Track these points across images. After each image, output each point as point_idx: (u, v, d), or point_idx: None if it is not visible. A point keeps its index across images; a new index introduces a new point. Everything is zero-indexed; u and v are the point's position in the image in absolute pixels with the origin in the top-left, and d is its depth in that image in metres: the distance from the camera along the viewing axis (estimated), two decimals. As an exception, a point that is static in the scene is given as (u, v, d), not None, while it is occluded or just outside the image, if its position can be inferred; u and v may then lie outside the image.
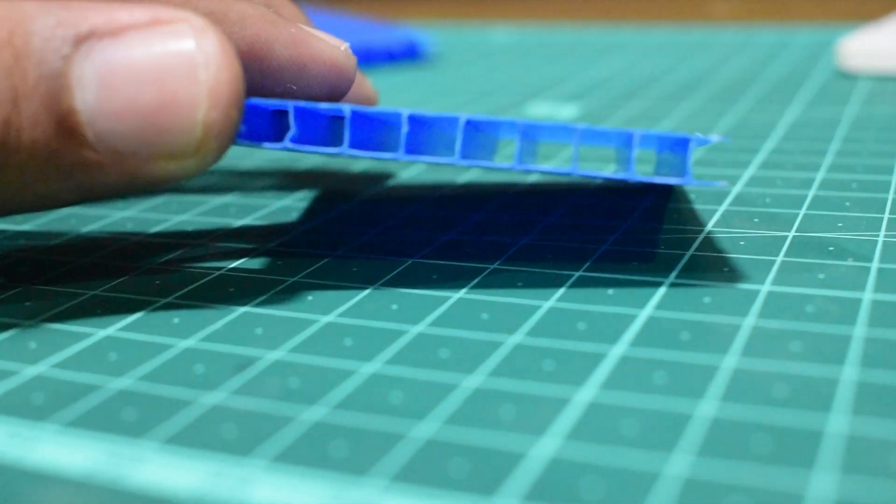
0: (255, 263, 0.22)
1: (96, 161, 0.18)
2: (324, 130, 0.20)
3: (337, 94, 0.22)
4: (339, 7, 0.70)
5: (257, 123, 0.19)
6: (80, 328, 0.19)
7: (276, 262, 0.22)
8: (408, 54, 0.49)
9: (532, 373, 0.16)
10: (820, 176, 0.26)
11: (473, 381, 0.16)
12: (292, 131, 0.19)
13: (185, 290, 0.21)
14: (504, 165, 0.19)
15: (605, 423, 0.15)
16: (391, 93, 0.42)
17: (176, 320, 0.19)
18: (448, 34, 0.58)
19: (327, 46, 0.22)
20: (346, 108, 0.18)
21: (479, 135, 0.20)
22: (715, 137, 0.19)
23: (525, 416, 0.15)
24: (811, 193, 0.25)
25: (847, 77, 0.40)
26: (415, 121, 0.19)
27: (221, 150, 0.18)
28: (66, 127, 0.17)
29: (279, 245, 0.23)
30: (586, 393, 0.16)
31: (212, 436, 0.15)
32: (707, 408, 0.15)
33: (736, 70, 0.43)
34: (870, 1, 0.67)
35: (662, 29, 0.56)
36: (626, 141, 0.19)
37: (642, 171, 0.19)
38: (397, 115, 0.19)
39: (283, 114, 0.19)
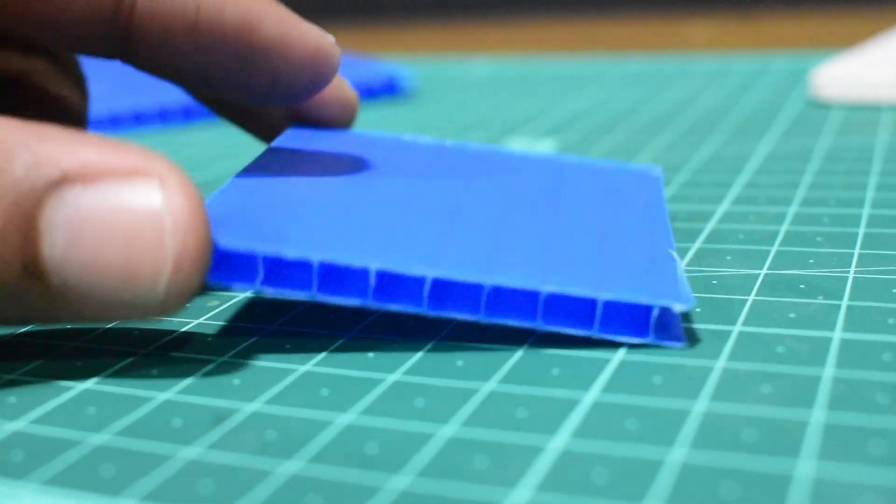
0: (232, 312, 0.22)
1: (58, 303, 0.18)
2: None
3: (320, 82, 0.23)
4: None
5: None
6: (60, 381, 0.19)
7: (252, 310, 0.22)
8: (387, 90, 0.49)
9: (505, 421, 0.17)
10: (792, 210, 0.27)
11: (448, 430, 0.16)
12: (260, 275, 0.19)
13: (164, 340, 0.21)
14: (467, 317, 0.19)
15: (578, 473, 0.15)
16: (372, 129, 0.42)
17: (155, 372, 0.19)
18: (427, 68, 0.58)
19: (315, 31, 0.23)
20: (314, 258, 0.19)
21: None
22: (678, 308, 0.19)
23: (499, 467, 0.15)
24: (783, 229, 0.25)
25: (821, 106, 0.40)
26: (383, 276, 0.19)
27: (184, 304, 0.18)
28: (31, 270, 0.18)
29: (256, 293, 0.23)
30: (559, 441, 0.16)
31: (189, 491, 0.15)
32: (677, 454, 0.15)
33: (711, 100, 0.43)
34: (845, 25, 0.67)
35: (640, 58, 0.56)
36: (589, 307, 0.19)
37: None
38: (364, 271, 0.19)
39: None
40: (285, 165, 0.23)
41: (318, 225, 0.20)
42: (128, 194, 0.18)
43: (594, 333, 0.19)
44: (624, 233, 0.22)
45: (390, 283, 0.19)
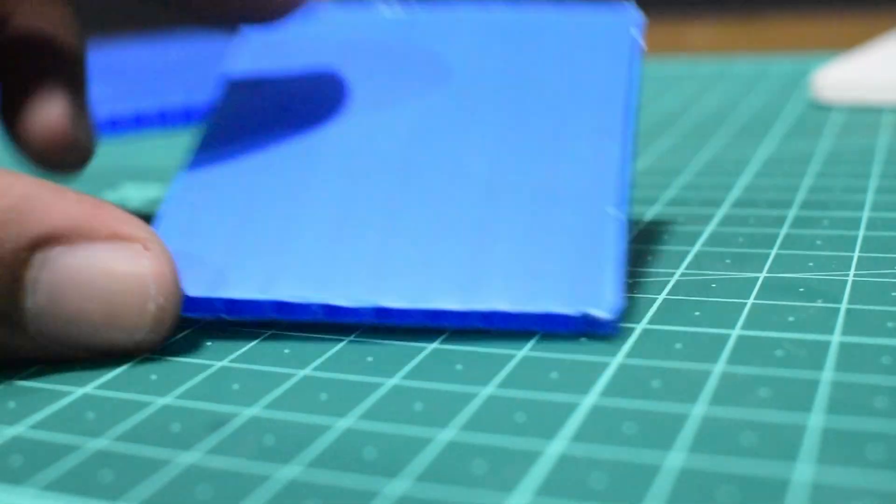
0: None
1: (32, 347, 0.19)
2: None
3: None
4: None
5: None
6: (59, 386, 0.19)
7: (253, 313, 0.22)
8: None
9: (504, 425, 0.17)
10: (792, 213, 0.27)
11: (446, 434, 0.16)
12: None
13: (164, 344, 0.21)
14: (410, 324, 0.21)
15: (576, 477, 0.15)
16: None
17: (154, 377, 0.19)
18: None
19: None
20: (264, 297, 0.21)
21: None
22: (598, 314, 0.20)
23: (497, 471, 0.15)
24: (783, 232, 0.25)
25: (821, 108, 0.40)
26: (327, 308, 0.21)
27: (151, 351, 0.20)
28: (10, 320, 0.19)
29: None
30: (557, 445, 0.16)
31: (187, 497, 0.15)
32: (675, 459, 0.15)
33: (712, 103, 0.43)
34: (845, 27, 0.67)
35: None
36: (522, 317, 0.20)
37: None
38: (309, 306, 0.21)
39: None
40: (227, 159, 0.24)
41: (265, 252, 0.22)
42: (112, 258, 0.19)
43: (536, 328, 0.20)
44: (561, 217, 0.22)
45: (334, 311, 0.20)
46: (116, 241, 0.19)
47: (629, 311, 0.21)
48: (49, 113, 0.24)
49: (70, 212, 0.19)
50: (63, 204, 0.19)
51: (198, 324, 0.22)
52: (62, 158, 0.25)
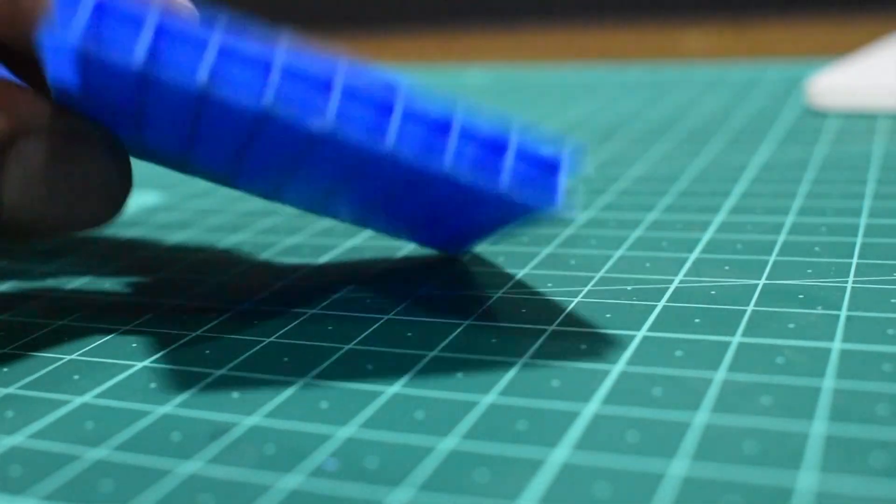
0: (228, 325, 0.22)
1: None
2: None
3: None
4: (317, 50, 0.71)
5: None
6: (57, 395, 0.19)
7: (250, 322, 0.22)
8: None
9: (506, 434, 0.17)
10: (790, 220, 0.27)
11: (448, 443, 0.16)
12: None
13: (162, 353, 0.21)
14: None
15: (579, 486, 0.15)
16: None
17: (153, 385, 0.19)
18: (423, 76, 0.58)
19: None
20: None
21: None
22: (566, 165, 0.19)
23: (500, 480, 0.15)
24: (781, 239, 0.25)
25: (817, 115, 0.40)
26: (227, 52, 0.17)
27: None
28: None
29: (254, 304, 0.23)
30: (560, 454, 0.16)
31: (189, 507, 0.15)
32: (679, 467, 0.15)
33: (708, 109, 0.44)
34: (839, 34, 0.68)
35: (636, 67, 0.56)
36: (496, 145, 0.18)
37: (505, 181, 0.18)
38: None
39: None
40: None
41: None
42: (78, 151, 0.20)
43: (502, 186, 0.18)
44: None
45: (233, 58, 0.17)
46: (80, 135, 0.20)
47: (628, 319, 0.21)
48: None
49: (37, 105, 0.20)
50: (30, 100, 0.20)
51: (197, 332, 0.22)
52: None
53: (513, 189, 0.18)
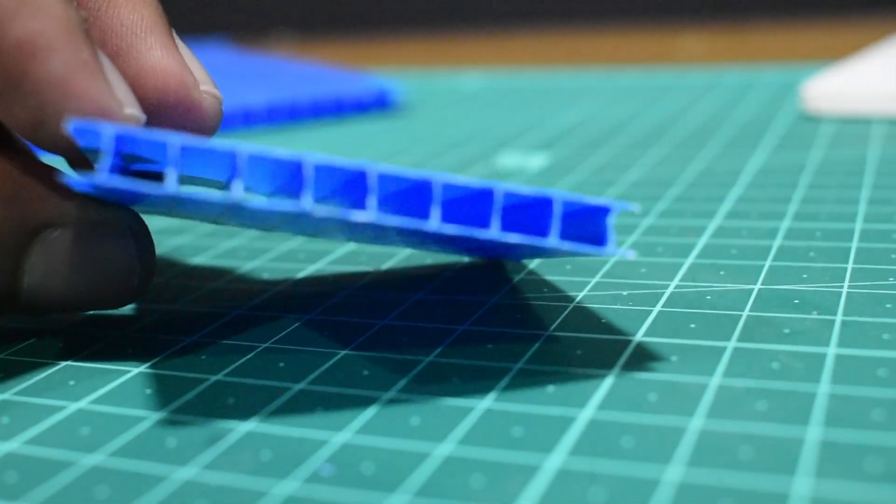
0: (223, 330, 0.22)
1: (15, 313, 0.21)
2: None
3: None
4: (305, 56, 0.71)
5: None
6: (52, 401, 0.19)
7: (246, 327, 0.22)
8: (378, 103, 0.49)
9: (501, 440, 0.17)
10: (785, 225, 0.27)
11: (444, 449, 0.16)
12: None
13: (157, 358, 0.21)
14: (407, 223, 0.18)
15: (574, 491, 0.15)
16: (363, 144, 0.42)
17: (148, 391, 0.19)
18: (417, 81, 0.58)
19: (167, 63, 0.21)
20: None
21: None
22: (633, 206, 0.19)
23: (495, 486, 0.15)
24: (776, 244, 0.25)
25: (811, 120, 0.40)
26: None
27: None
28: (5, 298, 0.20)
29: (249, 309, 0.23)
30: (555, 460, 0.16)
31: (184, 513, 0.15)
32: (674, 473, 0.15)
33: (703, 114, 0.44)
34: (834, 38, 0.68)
35: (632, 72, 0.56)
36: (544, 207, 0.18)
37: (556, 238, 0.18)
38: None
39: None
40: None
41: None
42: (102, 240, 0.20)
43: (550, 243, 0.18)
44: None
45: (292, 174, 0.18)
46: (105, 225, 0.20)
47: (624, 323, 0.21)
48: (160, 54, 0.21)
49: (64, 198, 0.20)
50: (57, 190, 0.20)
51: (193, 337, 0.22)
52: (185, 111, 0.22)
53: (562, 243, 0.18)
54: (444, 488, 0.15)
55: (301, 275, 0.26)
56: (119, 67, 0.20)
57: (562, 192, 0.19)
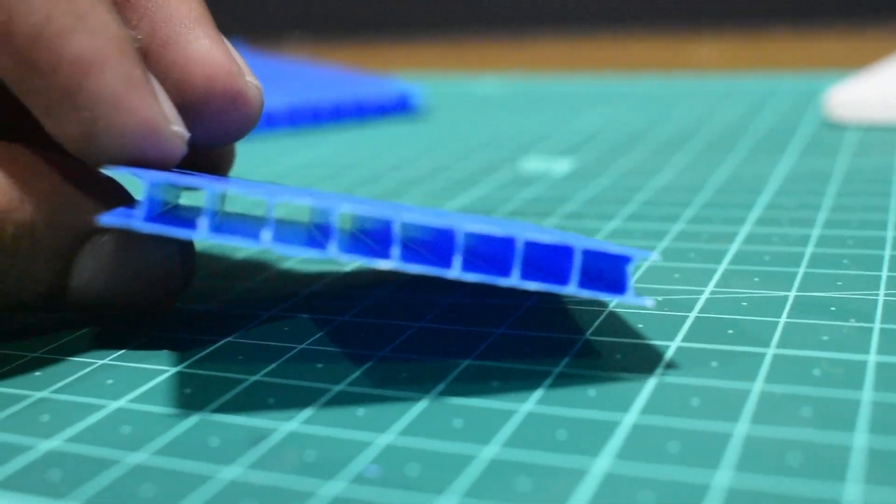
0: (258, 331, 0.22)
1: (60, 310, 0.21)
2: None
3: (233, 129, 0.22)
4: (320, 59, 0.71)
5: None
6: (92, 399, 0.19)
7: (280, 329, 0.22)
8: (399, 107, 0.49)
9: (546, 443, 0.17)
10: (816, 232, 0.27)
11: (489, 451, 0.16)
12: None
13: (193, 358, 0.21)
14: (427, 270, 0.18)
15: (623, 496, 0.15)
16: (385, 148, 0.42)
17: (187, 390, 0.19)
18: (433, 85, 0.58)
19: (215, 53, 0.21)
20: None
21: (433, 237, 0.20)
22: (654, 255, 0.19)
23: (542, 489, 0.15)
24: (808, 251, 0.25)
25: (835, 127, 0.40)
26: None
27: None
28: (54, 297, 0.21)
29: (283, 311, 0.23)
30: (602, 463, 0.16)
31: (232, 512, 0.15)
32: (723, 478, 0.15)
33: (725, 120, 0.44)
34: (852, 46, 0.68)
35: (649, 78, 0.56)
36: (564, 254, 0.19)
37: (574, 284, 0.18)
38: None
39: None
40: None
41: None
42: (147, 243, 0.21)
43: (570, 290, 0.18)
44: None
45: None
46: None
47: (661, 329, 0.21)
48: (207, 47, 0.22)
49: (115, 204, 0.21)
50: (107, 197, 0.21)
51: (229, 338, 0.22)
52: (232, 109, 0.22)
53: (581, 291, 0.19)
54: (491, 491, 0.15)
55: (333, 277, 0.26)
56: (168, 57, 0.21)
57: (582, 239, 0.19)
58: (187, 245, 0.22)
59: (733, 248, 0.26)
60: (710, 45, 0.74)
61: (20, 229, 0.20)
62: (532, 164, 0.37)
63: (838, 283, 0.23)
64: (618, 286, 0.19)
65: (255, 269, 0.27)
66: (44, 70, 0.19)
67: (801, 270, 0.24)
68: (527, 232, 0.18)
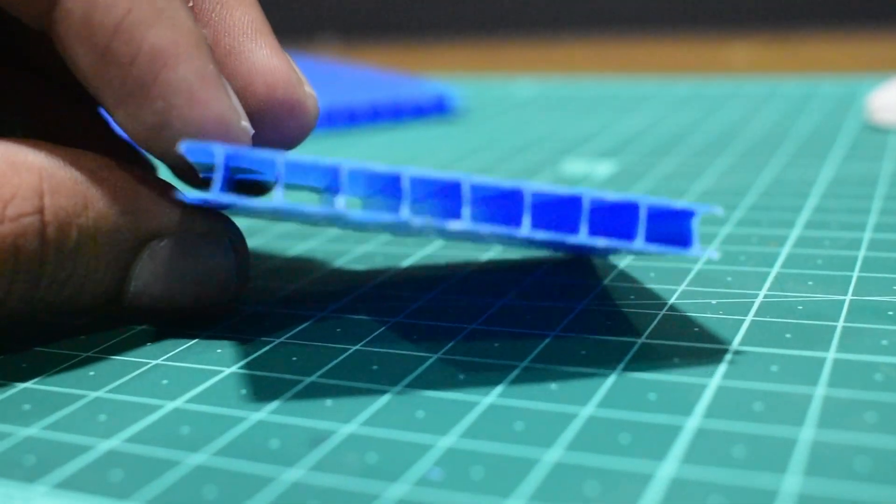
0: (311, 332, 0.22)
1: (115, 313, 0.22)
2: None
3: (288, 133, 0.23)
4: (351, 60, 0.71)
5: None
6: (148, 399, 0.19)
7: (333, 329, 0.22)
8: (436, 109, 0.49)
9: (610, 446, 0.16)
10: (867, 236, 0.26)
11: (553, 454, 0.16)
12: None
13: (248, 359, 0.21)
14: (495, 230, 0.18)
15: (693, 501, 0.15)
16: (423, 150, 0.42)
17: (243, 391, 0.19)
18: (470, 87, 0.58)
19: (276, 63, 0.22)
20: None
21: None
22: (717, 209, 0.19)
23: (610, 492, 0.15)
24: (861, 254, 0.25)
25: (878, 131, 0.40)
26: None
27: None
28: (112, 300, 0.21)
29: (333, 312, 0.23)
30: (668, 468, 0.16)
31: (296, 514, 0.15)
32: (791, 483, 0.15)
33: (765, 123, 0.43)
34: (889, 49, 0.67)
35: (686, 80, 0.56)
36: (630, 211, 0.19)
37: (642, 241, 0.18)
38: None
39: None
40: None
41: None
42: (205, 251, 0.21)
43: (637, 246, 0.18)
44: None
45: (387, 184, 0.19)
46: (209, 237, 0.22)
47: (717, 332, 0.21)
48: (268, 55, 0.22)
49: (173, 210, 0.21)
50: (166, 201, 0.21)
51: (281, 339, 0.22)
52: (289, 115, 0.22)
53: (648, 246, 0.19)
54: (558, 494, 0.15)
55: (381, 278, 0.25)
56: (231, 66, 0.21)
57: (646, 196, 0.19)
58: (243, 252, 0.22)
59: (784, 251, 0.26)
60: (743, 48, 0.74)
61: (84, 234, 0.20)
62: (574, 166, 0.37)
63: (894, 288, 0.23)
64: (683, 242, 0.19)
65: (304, 269, 0.27)
66: (122, 61, 0.19)
67: (855, 274, 0.24)
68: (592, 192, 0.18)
